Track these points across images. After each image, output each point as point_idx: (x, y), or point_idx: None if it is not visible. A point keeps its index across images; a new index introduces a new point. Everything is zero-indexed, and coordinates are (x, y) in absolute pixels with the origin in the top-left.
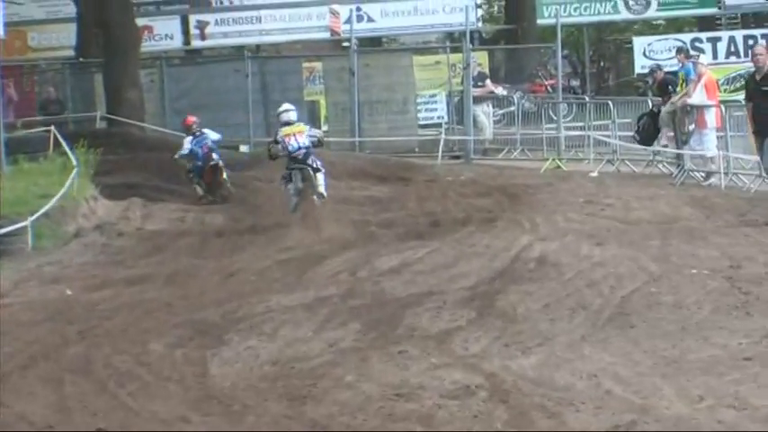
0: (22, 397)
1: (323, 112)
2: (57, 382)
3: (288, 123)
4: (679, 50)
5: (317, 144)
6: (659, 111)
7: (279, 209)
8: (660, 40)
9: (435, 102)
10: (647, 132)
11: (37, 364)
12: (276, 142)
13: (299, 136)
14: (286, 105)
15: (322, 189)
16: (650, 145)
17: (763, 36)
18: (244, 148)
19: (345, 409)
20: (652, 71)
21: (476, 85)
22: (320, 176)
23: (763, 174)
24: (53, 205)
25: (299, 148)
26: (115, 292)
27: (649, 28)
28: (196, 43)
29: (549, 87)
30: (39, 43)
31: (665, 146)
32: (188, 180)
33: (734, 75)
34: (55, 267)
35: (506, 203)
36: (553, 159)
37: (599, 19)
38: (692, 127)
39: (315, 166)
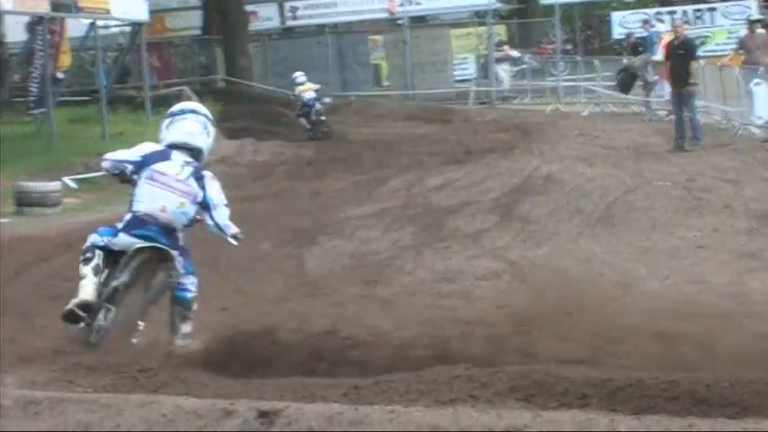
0: None
1: (384, 73)
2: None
3: (301, 84)
4: (645, 22)
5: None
6: (631, 66)
7: (354, 145)
8: (632, 14)
9: (467, 62)
10: (625, 83)
11: None
12: (295, 95)
13: (309, 92)
14: (298, 73)
15: (323, 118)
16: (627, 93)
17: (708, 9)
18: (326, 100)
19: (406, 290)
20: (627, 36)
21: (497, 50)
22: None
23: (672, 116)
24: None
25: (310, 99)
26: (234, 206)
27: (623, 5)
28: (289, 23)
29: (550, 50)
30: (173, 25)
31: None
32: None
33: None
34: None
35: (520, 137)
36: (554, 104)
37: None
38: (656, 77)
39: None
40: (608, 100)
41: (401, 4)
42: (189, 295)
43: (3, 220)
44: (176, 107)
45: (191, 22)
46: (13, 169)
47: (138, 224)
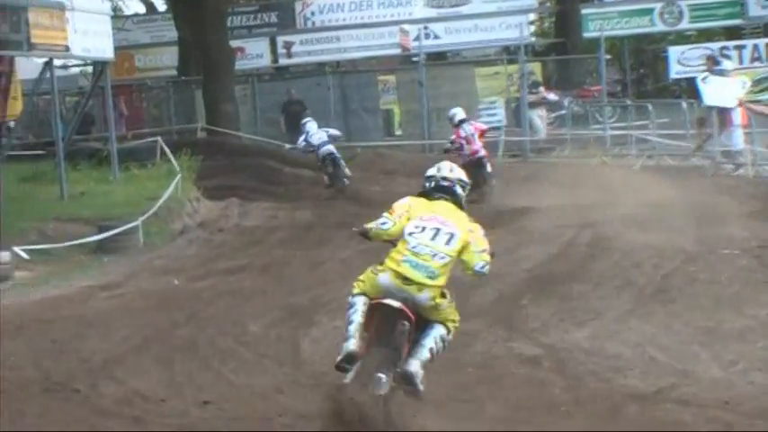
0: (137, 375)
1: (396, 119)
2: (167, 361)
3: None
4: (708, 58)
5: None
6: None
7: (361, 206)
8: (692, 48)
9: (495, 107)
10: None
11: (149, 346)
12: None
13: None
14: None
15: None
16: None
17: None
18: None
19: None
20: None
21: (530, 92)
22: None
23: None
24: (160, 206)
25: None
26: (217, 280)
27: (682, 38)
28: (283, 61)
29: (595, 93)
30: (145, 64)
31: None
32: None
33: (759, 77)
34: (163, 260)
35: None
36: (600, 156)
37: (638, 31)
38: (708, 131)
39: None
40: (664, 152)
41: (416, 38)
42: None
43: None
44: None
45: (165, 60)
46: None
47: None
